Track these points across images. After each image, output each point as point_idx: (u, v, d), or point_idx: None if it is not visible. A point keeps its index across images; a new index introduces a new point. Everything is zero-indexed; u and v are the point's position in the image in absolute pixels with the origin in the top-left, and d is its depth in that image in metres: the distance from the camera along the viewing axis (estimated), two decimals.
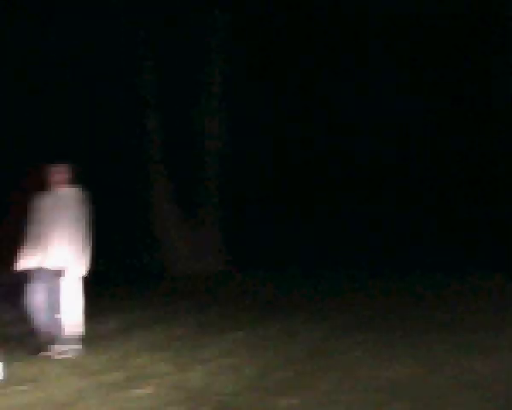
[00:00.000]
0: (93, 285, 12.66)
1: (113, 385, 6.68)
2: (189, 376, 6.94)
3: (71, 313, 7.85)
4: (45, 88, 15.95)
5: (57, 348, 7.68)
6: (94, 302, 11.09)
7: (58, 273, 7.69)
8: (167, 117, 14.99)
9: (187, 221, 15.06)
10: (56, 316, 7.71)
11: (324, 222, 17.66)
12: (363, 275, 13.56)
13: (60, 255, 7.69)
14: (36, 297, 7.68)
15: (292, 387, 6.44)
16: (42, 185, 7.91)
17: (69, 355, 7.66)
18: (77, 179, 8.01)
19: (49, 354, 7.67)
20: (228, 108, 15.39)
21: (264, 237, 17.08)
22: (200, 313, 10.28)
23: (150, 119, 14.86)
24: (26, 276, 7.81)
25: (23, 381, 6.84)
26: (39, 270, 7.73)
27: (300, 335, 8.67)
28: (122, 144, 16.21)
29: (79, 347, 7.91)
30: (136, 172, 15.43)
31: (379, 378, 6.66)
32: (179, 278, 13.90)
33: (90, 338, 8.67)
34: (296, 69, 18.17)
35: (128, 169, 16.11)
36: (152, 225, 15.13)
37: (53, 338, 7.70)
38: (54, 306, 7.71)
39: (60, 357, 7.57)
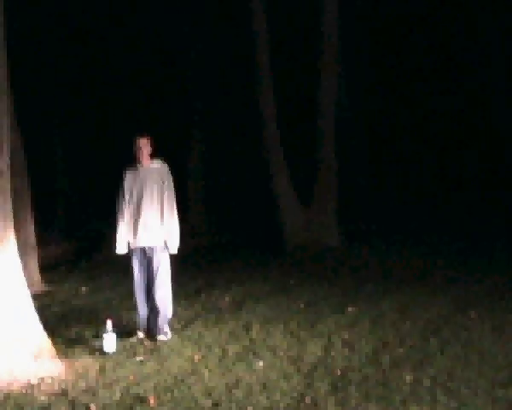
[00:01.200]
0: (211, 259, 12.99)
1: (228, 357, 6.81)
2: (306, 349, 6.98)
3: (167, 291, 7.67)
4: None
5: (160, 326, 7.56)
6: (211, 276, 11.34)
7: (152, 251, 7.54)
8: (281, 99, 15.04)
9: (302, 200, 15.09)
10: (158, 294, 7.54)
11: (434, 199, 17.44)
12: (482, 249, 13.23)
13: (152, 233, 7.53)
14: (135, 277, 7.64)
15: (409, 362, 6.41)
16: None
17: (168, 336, 7.55)
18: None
19: (141, 334, 7.61)
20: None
21: (374, 213, 17.01)
22: (315, 288, 10.27)
23: (266, 101, 14.89)
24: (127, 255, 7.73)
25: (137, 353, 7.06)
26: (135, 249, 7.61)
27: (415, 309, 8.56)
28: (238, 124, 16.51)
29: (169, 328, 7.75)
30: (255, 147, 15.54)
31: (499, 355, 6.55)
32: (296, 252, 13.93)
33: (207, 312, 8.86)
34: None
35: (247, 145, 16.33)
36: (270, 201, 15.21)
37: (155, 317, 7.58)
38: (153, 284, 7.55)
39: (161, 337, 7.49)
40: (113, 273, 11.74)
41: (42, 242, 11.82)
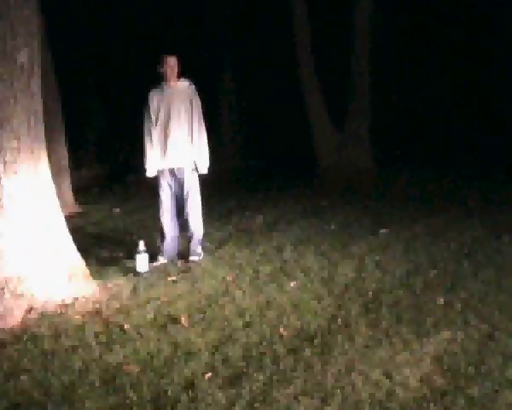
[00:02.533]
0: (244, 181, 13.00)
1: (260, 278, 6.84)
2: (338, 271, 6.98)
3: (198, 212, 7.62)
4: None
5: (192, 247, 7.59)
6: (243, 198, 11.35)
7: (182, 172, 7.43)
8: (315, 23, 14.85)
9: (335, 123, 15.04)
10: (190, 215, 7.51)
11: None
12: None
13: (181, 154, 7.41)
14: (163, 199, 7.50)
15: (441, 286, 6.39)
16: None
17: (200, 257, 7.58)
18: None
19: (163, 259, 7.55)
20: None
21: (407, 138, 16.85)
22: (347, 210, 10.26)
23: (301, 30, 14.73)
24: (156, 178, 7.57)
25: (170, 273, 7.11)
26: (164, 171, 7.46)
27: (448, 233, 8.51)
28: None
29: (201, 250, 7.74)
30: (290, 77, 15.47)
31: None
32: (328, 174, 13.90)
33: (239, 232, 8.89)
34: None
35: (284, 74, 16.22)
36: (304, 123, 15.16)
37: (187, 239, 7.61)
38: (185, 206, 7.50)
39: (194, 257, 7.54)
40: (145, 195, 11.78)
41: (75, 164, 11.88)
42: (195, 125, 7.44)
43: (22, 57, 6.00)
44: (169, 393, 4.37)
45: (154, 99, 7.44)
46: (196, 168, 7.50)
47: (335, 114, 15.00)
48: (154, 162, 7.46)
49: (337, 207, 10.46)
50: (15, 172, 5.97)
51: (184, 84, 7.49)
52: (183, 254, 7.65)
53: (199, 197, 7.61)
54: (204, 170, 7.54)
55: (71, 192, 11.23)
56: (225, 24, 17.14)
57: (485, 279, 6.53)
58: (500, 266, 6.96)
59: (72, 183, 11.39)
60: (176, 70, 7.42)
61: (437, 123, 17.90)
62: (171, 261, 7.53)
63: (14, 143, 5.96)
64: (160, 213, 7.56)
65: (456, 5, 16.98)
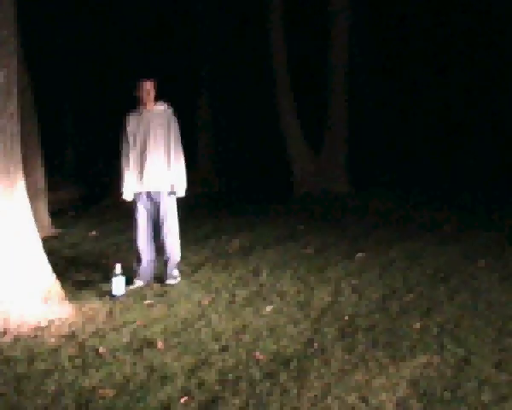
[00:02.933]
0: (220, 205, 13.01)
1: (237, 302, 6.82)
2: (314, 295, 6.98)
3: (175, 235, 7.59)
4: None
5: (169, 271, 7.56)
6: (220, 221, 11.35)
7: (159, 196, 7.41)
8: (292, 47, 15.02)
9: (312, 146, 15.14)
10: (167, 239, 7.49)
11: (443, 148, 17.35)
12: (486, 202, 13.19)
13: (158, 177, 7.38)
14: (139, 223, 7.47)
15: (417, 310, 6.40)
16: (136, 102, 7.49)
17: (176, 280, 7.55)
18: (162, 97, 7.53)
19: (141, 282, 7.51)
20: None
21: (384, 163, 16.97)
22: (324, 234, 10.28)
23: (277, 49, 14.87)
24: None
25: (147, 297, 7.07)
26: (141, 194, 7.43)
27: (424, 257, 8.54)
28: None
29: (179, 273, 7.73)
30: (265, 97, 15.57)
31: (507, 304, 6.54)
32: (305, 198, 13.94)
33: (216, 256, 8.87)
34: None
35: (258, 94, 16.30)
36: (280, 148, 15.25)
37: (164, 262, 7.58)
38: (162, 230, 7.47)
39: (171, 281, 7.50)
40: (121, 218, 11.74)
41: (51, 186, 11.81)
42: (172, 148, 7.42)
43: (0, 78, 5.98)
44: None
45: (131, 123, 7.44)
46: (173, 192, 7.46)
47: (312, 139, 15.08)
48: (131, 185, 7.45)
49: (313, 232, 10.48)
50: None
51: (161, 108, 7.48)
52: (160, 277, 7.62)
53: (176, 221, 7.58)
54: (182, 193, 7.51)
55: (47, 214, 11.16)
56: (203, 44, 17.22)
57: (460, 304, 6.57)
58: (475, 291, 7.00)
59: (49, 205, 11.32)
60: (152, 94, 7.42)
61: (413, 147, 18.04)
62: (148, 285, 7.49)
63: None
64: (136, 237, 7.53)
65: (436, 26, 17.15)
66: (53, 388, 4.81)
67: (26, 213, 6.35)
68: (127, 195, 7.49)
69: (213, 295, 7.04)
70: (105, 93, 18.03)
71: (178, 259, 7.69)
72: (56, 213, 12.06)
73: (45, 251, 6.55)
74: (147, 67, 15.19)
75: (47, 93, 14.89)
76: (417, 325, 5.95)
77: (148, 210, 7.51)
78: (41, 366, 5.21)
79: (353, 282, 7.45)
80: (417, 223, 11.11)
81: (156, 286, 7.45)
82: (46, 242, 6.99)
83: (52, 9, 16.84)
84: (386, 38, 17.89)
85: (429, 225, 10.82)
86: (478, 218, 11.37)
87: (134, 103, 7.50)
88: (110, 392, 4.70)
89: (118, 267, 7.04)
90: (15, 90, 6.23)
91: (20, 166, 6.34)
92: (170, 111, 7.51)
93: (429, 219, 11.49)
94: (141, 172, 7.40)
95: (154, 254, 7.63)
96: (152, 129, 7.38)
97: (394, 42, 18.09)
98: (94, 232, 10.98)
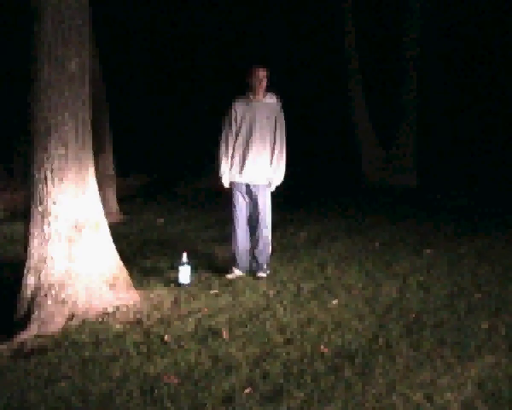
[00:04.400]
0: (287, 195, 12.98)
1: (302, 294, 6.78)
2: (381, 290, 6.91)
3: (270, 229, 7.50)
4: None
5: (261, 263, 7.46)
6: (286, 212, 11.32)
7: (258, 189, 7.33)
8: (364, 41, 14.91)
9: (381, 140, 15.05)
10: (264, 233, 7.40)
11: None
12: None
13: (259, 171, 7.30)
14: (237, 213, 7.41)
15: (486, 309, 6.27)
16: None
17: (266, 273, 7.45)
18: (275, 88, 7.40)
19: (239, 271, 7.47)
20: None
21: (452, 159, 16.68)
22: (392, 228, 10.16)
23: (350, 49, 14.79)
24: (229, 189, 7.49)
25: (213, 286, 7.08)
26: (239, 184, 7.37)
27: (493, 255, 8.37)
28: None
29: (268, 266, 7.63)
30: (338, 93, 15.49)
31: None
32: (374, 192, 13.82)
33: (282, 248, 8.84)
34: None
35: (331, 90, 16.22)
36: (351, 141, 15.18)
37: (257, 255, 7.47)
38: (259, 223, 7.38)
39: (262, 274, 7.41)
40: (188, 207, 11.85)
41: (120, 172, 11.95)
42: (278, 143, 7.32)
43: (73, 66, 6.05)
44: (207, 406, 4.35)
45: (238, 110, 7.31)
46: (269, 185, 7.41)
47: (382, 132, 14.95)
48: (229, 174, 7.39)
49: (381, 225, 10.37)
50: (62, 179, 6.02)
51: (272, 101, 7.35)
52: (251, 268, 7.58)
53: (270, 215, 7.50)
54: (273, 188, 7.46)
55: (115, 200, 11.30)
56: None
57: None
58: None
59: (117, 191, 11.46)
60: (264, 83, 7.25)
61: (482, 142, 17.69)
62: (244, 274, 7.47)
63: (62, 151, 6.01)
64: (235, 226, 7.47)
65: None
66: (118, 373, 4.86)
67: (95, 199, 6.42)
68: (225, 181, 7.42)
69: (279, 287, 7.02)
70: (177, 81, 18.14)
71: (270, 252, 7.64)
72: (125, 200, 12.20)
73: (113, 237, 6.62)
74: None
75: (118, 82, 15.04)
76: (485, 325, 5.83)
77: (246, 200, 7.43)
78: (106, 351, 5.28)
79: (421, 278, 7.34)
80: (487, 220, 10.88)
81: (220, 277, 7.43)
82: (114, 228, 7.05)
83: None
84: (459, 32, 17.57)
85: (499, 223, 10.58)
86: None
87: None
88: (174, 380, 4.73)
89: (184, 256, 7.08)
90: (87, 78, 6.29)
91: (91, 152, 6.41)
92: (279, 104, 7.37)
93: (497, 215, 11.24)
94: (242, 163, 7.31)
95: (249, 243, 7.57)
96: (259, 121, 7.25)
97: (467, 36, 17.75)
98: (162, 220, 11.07)
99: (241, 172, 7.33)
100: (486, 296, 6.68)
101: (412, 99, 14.96)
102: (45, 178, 6.00)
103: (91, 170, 6.38)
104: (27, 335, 5.62)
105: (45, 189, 6.00)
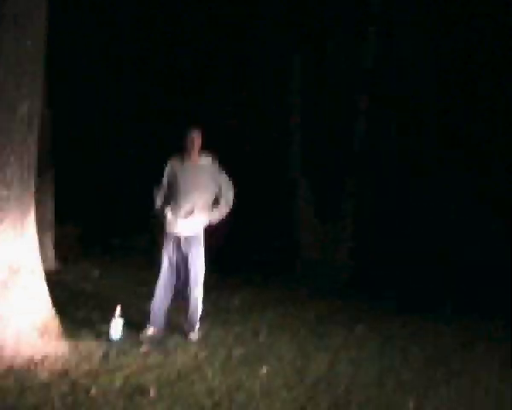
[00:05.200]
0: (223, 261, 12.96)
1: (233, 359, 6.76)
2: (311, 362, 6.92)
3: (201, 288, 7.47)
4: None
5: (192, 324, 7.43)
6: (223, 278, 11.30)
7: (188, 241, 7.32)
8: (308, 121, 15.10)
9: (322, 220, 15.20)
10: (194, 292, 7.38)
11: None
12: None
13: (190, 223, 7.28)
14: (162, 267, 7.40)
15: (414, 388, 6.33)
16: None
17: (198, 335, 7.42)
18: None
19: (152, 330, 7.40)
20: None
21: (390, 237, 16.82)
22: (326, 302, 10.22)
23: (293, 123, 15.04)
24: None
25: (142, 343, 6.99)
26: (170, 234, 7.36)
27: (423, 338, 8.46)
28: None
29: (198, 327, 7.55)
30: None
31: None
32: (309, 264, 13.90)
33: (215, 312, 8.80)
34: None
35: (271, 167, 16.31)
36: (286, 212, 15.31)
37: (186, 315, 7.48)
38: (189, 282, 7.36)
39: (193, 335, 7.36)
40: (126, 260, 11.76)
41: (58, 219, 11.81)
42: (223, 200, 7.46)
43: (23, 109, 6.04)
44: None
45: (173, 168, 7.41)
46: (202, 240, 7.41)
47: (322, 206, 15.09)
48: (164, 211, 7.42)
49: (316, 298, 10.43)
50: (1, 221, 5.95)
51: (206, 162, 7.42)
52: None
53: (202, 275, 7.48)
54: (212, 219, 7.46)
55: (52, 248, 11.15)
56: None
57: (458, 387, 6.50)
58: (474, 376, 6.93)
59: (55, 238, 11.31)
60: (197, 145, 7.33)
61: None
62: (154, 335, 7.38)
63: (4, 192, 5.96)
64: (158, 282, 7.48)
65: None
66: None
67: (33, 244, 6.36)
68: (162, 212, 7.50)
69: (210, 350, 6.98)
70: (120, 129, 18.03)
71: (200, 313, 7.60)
72: (61, 248, 12.04)
73: (47, 285, 6.54)
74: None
75: (67, 128, 14.93)
76: (412, 405, 5.88)
77: (175, 256, 7.43)
78: (31, 400, 5.18)
79: (352, 353, 7.38)
80: (418, 301, 11.00)
81: (149, 335, 7.35)
82: (49, 275, 6.96)
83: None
84: None
85: (431, 303, 10.70)
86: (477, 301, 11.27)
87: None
88: None
89: (118, 309, 7.02)
90: (36, 123, 6.28)
91: (33, 197, 6.37)
92: (215, 165, 7.45)
93: (431, 295, 11.36)
94: (175, 217, 7.34)
95: (168, 303, 7.57)
96: (193, 182, 7.31)
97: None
98: (97, 271, 10.95)
99: (173, 224, 7.33)
100: (415, 376, 6.75)
101: (351, 184, 15.14)
102: None
103: (32, 214, 6.33)
104: None
105: None
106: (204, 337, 7.46)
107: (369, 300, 10.72)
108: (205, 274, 7.46)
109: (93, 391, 5.44)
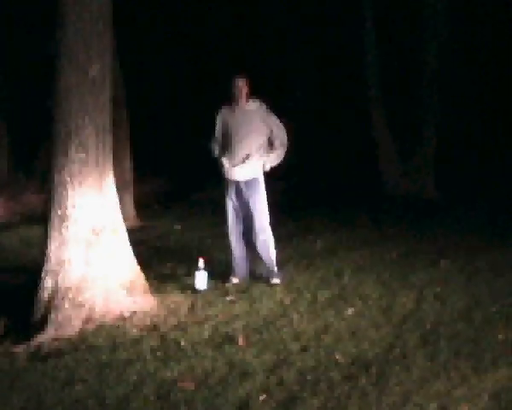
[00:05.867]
0: (305, 204, 12.94)
1: (318, 303, 6.79)
2: (397, 300, 6.88)
3: (267, 232, 7.56)
4: None
5: (270, 270, 7.52)
6: (305, 221, 11.30)
7: (248, 186, 7.37)
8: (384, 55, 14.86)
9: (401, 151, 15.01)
10: (256, 237, 7.47)
11: None
12: None
13: (247, 168, 7.34)
14: (227, 217, 7.53)
15: (502, 321, 6.24)
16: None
17: (281, 277, 7.50)
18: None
19: (236, 280, 7.55)
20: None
21: (470, 172, 16.51)
22: (409, 239, 10.09)
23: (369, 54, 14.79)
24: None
25: (228, 293, 7.11)
26: (229, 182, 7.45)
27: (509, 269, 8.30)
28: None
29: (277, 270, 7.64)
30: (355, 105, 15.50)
31: None
32: (392, 203, 13.76)
33: (299, 256, 8.83)
34: None
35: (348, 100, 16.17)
36: (370, 152, 15.16)
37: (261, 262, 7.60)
38: (250, 225, 7.48)
39: (275, 280, 7.43)
40: (206, 213, 11.85)
41: (137, 178, 11.98)
42: (277, 142, 7.47)
43: (94, 71, 6.10)
44: None
45: (223, 117, 7.53)
46: (262, 185, 7.46)
47: (402, 144, 14.89)
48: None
49: (399, 236, 10.30)
50: (81, 183, 6.06)
51: (254, 107, 7.47)
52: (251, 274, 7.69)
53: (267, 217, 7.58)
54: (268, 167, 7.49)
55: (132, 206, 11.34)
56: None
57: None
58: None
59: (134, 197, 11.49)
60: (244, 92, 7.39)
61: (502, 157, 17.52)
62: (238, 283, 7.49)
63: (82, 155, 6.06)
64: (227, 233, 7.63)
65: None
66: (134, 377, 4.89)
67: (114, 204, 6.46)
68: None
69: (295, 295, 7.03)
70: (196, 86, 18.10)
71: (274, 256, 7.70)
72: (142, 205, 12.22)
73: (130, 243, 6.66)
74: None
75: (138, 88, 15.06)
76: (501, 337, 5.80)
77: (236, 203, 7.53)
78: (123, 355, 5.31)
79: (437, 289, 7.30)
80: (502, 232, 10.79)
81: (235, 284, 7.49)
82: (131, 233, 7.08)
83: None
84: (478, 44, 17.44)
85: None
86: None
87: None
88: (190, 385, 4.76)
89: (201, 262, 7.12)
90: (108, 84, 6.34)
91: (111, 157, 6.46)
92: (263, 108, 7.50)
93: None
94: (231, 165, 7.42)
95: (245, 250, 7.71)
96: (243, 127, 7.38)
97: (487, 47, 17.63)
98: (179, 226, 11.09)
99: (231, 171, 7.41)
100: (503, 309, 6.64)
101: (432, 111, 14.89)
102: (65, 182, 6.05)
103: (111, 175, 6.42)
104: (44, 337, 5.67)
105: (65, 192, 6.05)
106: (288, 283, 7.49)
107: (453, 235, 10.53)
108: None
109: (183, 343, 5.55)
